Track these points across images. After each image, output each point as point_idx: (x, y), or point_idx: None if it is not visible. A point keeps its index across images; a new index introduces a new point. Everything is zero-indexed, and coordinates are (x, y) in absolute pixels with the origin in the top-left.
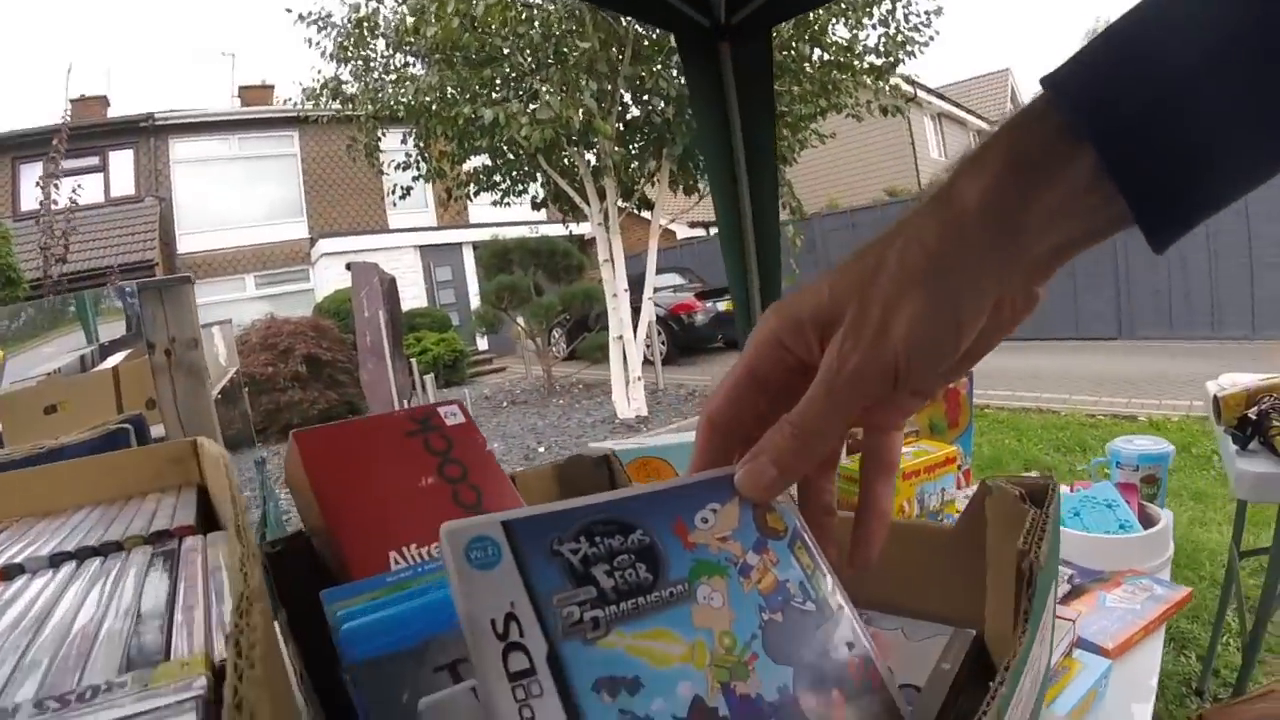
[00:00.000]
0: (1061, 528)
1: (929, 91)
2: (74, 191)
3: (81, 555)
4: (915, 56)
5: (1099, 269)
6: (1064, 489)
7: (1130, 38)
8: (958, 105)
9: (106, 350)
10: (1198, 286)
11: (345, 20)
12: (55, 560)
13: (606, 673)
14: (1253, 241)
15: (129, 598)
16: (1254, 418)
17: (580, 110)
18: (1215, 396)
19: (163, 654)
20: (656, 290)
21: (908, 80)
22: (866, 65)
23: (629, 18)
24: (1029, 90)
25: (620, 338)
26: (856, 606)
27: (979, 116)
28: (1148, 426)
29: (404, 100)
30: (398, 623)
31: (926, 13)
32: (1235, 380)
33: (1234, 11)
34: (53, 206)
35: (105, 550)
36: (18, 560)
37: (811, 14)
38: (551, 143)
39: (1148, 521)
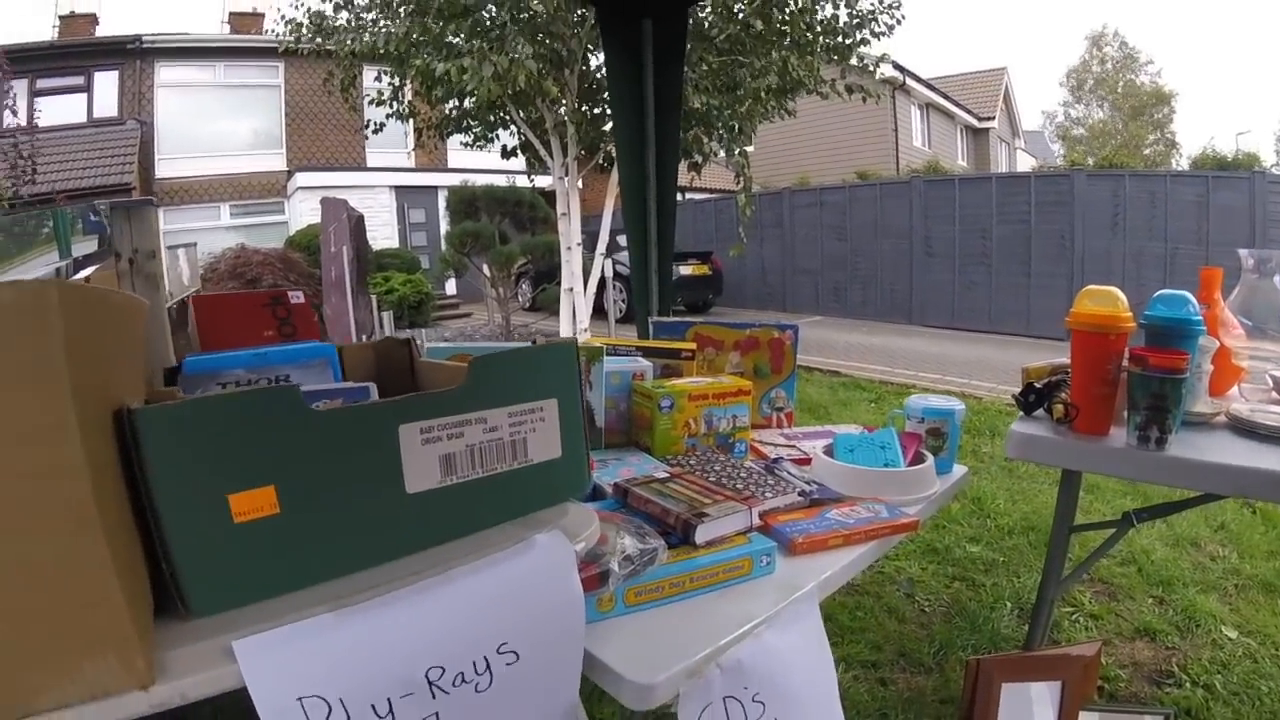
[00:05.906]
0: (831, 460)
1: (918, 80)
2: (35, 112)
3: None
4: (879, 39)
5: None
6: (853, 431)
7: None
8: (947, 97)
9: (79, 265)
10: None
11: None
12: None
13: None
14: None
15: None
16: (1039, 387)
17: (523, 71)
18: (1023, 367)
19: None
20: (622, 248)
21: (897, 67)
22: (825, 44)
23: None
24: (1021, 89)
25: (571, 290)
26: None
27: (969, 111)
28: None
29: (378, 45)
30: (209, 363)
31: None
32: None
33: None
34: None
35: None
36: None
37: None
38: (521, 94)
39: (918, 464)
